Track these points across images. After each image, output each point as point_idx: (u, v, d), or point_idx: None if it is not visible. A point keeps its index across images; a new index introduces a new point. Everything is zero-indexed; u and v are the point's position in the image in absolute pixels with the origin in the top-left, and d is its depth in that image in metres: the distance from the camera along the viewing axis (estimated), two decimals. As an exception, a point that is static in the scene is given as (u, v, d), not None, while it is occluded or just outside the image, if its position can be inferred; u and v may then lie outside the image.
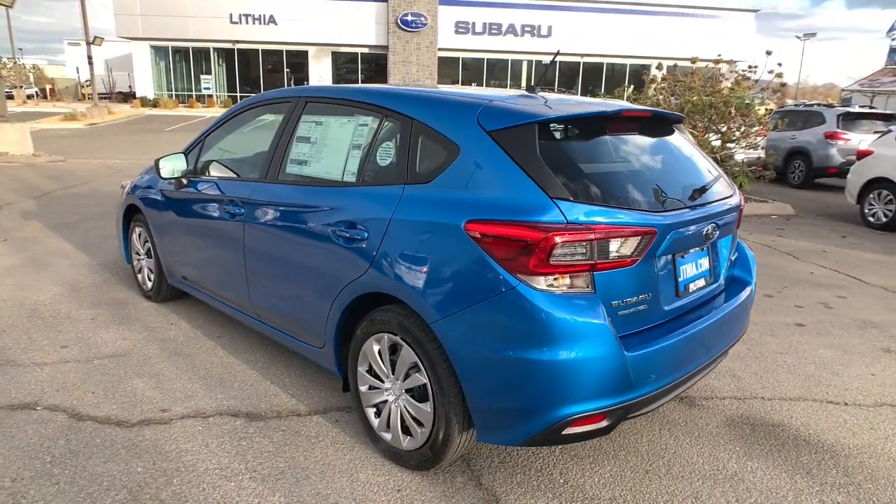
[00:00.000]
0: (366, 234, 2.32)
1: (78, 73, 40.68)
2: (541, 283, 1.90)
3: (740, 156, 8.99)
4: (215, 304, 3.54)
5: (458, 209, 2.05)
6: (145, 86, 30.59)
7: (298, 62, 31.46)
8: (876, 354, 3.74)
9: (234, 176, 3.43)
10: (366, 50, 30.95)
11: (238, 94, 30.98)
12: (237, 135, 3.55)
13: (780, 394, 3.17)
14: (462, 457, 2.47)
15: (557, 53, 3.63)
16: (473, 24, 30.47)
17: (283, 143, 2.92)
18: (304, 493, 2.23)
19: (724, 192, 2.54)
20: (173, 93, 31.18)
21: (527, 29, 30.70)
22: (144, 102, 29.36)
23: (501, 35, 30.78)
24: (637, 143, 2.42)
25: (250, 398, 2.93)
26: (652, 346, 2.04)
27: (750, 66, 8.77)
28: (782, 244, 6.79)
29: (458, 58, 31.64)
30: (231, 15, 29.42)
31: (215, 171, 3.50)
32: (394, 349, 2.34)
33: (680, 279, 2.26)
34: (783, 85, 8.86)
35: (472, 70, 32.13)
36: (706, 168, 2.61)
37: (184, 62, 31.53)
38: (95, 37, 24.66)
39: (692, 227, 2.22)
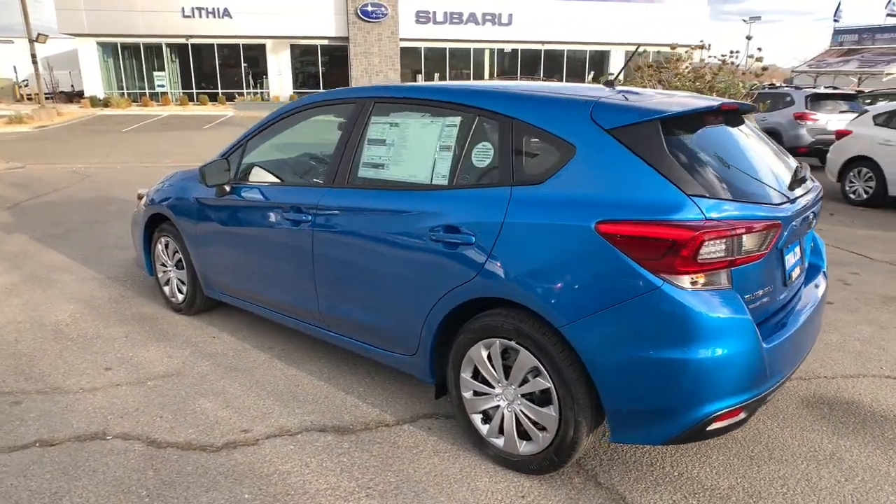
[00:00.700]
0: (472, 239, 2.26)
1: (15, 72, 38.25)
2: (685, 281, 1.89)
3: None
4: (267, 314, 3.40)
5: (585, 210, 2.01)
6: (94, 85, 29.08)
7: (255, 56, 30.54)
8: (909, 328, 3.91)
9: (280, 181, 3.29)
10: (325, 42, 30.27)
11: (194, 91, 29.87)
12: (282, 138, 3.40)
13: (840, 372, 3.28)
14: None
15: (638, 47, 3.51)
16: (434, 13, 30.20)
17: (351, 146, 2.81)
18: (427, 507, 2.17)
19: (811, 180, 2.59)
20: (125, 91, 29.74)
21: (488, 17, 30.64)
22: (94, 102, 27.86)
23: (462, 24, 30.62)
24: (732, 136, 2.43)
25: (330, 411, 2.84)
26: (780, 336, 2.07)
27: (731, 51, 8.99)
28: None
29: (420, 48, 31.35)
30: (183, 9, 28.22)
31: (261, 177, 3.35)
32: (505, 354, 2.29)
33: (787, 269, 2.29)
34: (764, 69, 9.11)
35: (434, 60, 31.89)
36: (785, 157, 2.65)
37: (134, 59, 30.10)
38: (39, 34, 23.21)
39: (800, 218, 2.26)
